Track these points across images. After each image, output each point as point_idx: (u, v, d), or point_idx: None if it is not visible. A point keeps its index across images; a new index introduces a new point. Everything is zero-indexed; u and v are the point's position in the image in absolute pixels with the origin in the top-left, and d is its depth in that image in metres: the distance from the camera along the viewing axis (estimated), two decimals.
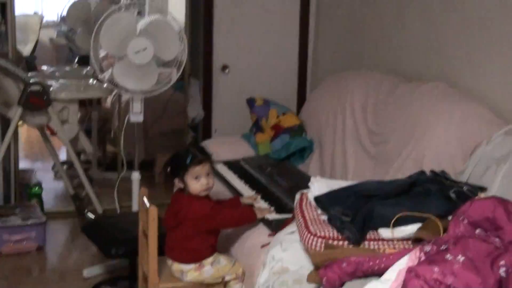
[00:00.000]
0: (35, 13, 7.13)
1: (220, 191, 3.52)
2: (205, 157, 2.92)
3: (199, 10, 5.05)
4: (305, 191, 2.78)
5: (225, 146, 4.17)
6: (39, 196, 4.64)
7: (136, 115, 3.88)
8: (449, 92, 3.30)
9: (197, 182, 2.88)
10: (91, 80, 4.86)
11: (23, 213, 4.22)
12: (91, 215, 4.49)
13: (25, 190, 4.73)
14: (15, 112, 4.15)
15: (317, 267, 2.33)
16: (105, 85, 3.95)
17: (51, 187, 5.30)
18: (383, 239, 2.40)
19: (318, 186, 2.72)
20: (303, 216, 2.57)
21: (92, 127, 5.65)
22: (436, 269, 1.87)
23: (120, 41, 3.64)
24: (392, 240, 2.39)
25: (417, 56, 3.79)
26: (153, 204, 2.88)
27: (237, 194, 3.42)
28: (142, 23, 3.71)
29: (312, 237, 2.42)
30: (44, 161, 5.80)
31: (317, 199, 2.63)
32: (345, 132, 3.77)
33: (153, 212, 2.83)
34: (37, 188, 4.67)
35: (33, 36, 6.49)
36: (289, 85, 5.15)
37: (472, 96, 3.25)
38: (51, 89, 4.37)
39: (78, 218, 4.61)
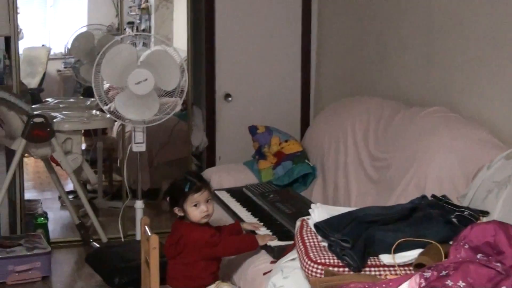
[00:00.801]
0: (43, 46, 7.19)
1: (223, 219, 3.52)
2: (203, 183, 2.93)
3: (201, 39, 5.10)
4: (305, 217, 2.78)
5: (227, 174, 4.18)
6: (44, 226, 4.65)
7: (139, 145, 3.90)
8: (450, 117, 3.30)
9: (196, 209, 2.89)
10: (94, 111, 4.90)
11: (28, 243, 4.23)
12: (95, 245, 4.49)
13: (31, 220, 4.74)
14: (19, 144, 4.18)
15: None
16: (108, 115, 3.98)
17: (58, 217, 5.32)
18: (384, 265, 2.39)
19: (319, 213, 2.71)
20: (304, 243, 2.56)
21: (97, 157, 5.68)
22: None
23: (121, 72, 3.68)
24: (393, 266, 2.38)
25: (418, 81, 3.80)
26: (157, 232, 2.90)
27: (240, 221, 3.41)
28: (143, 54, 3.75)
29: (312, 264, 2.41)
30: (52, 191, 5.81)
31: (317, 225, 2.62)
32: (347, 157, 3.77)
33: (154, 240, 2.84)
34: (42, 218, 4.68)
35: (41, 68, 6.54)
36: (292, 112, 5.17)
37: (473, 120, 3.25)
38: (54, 120, 4.40)
39: (84, 247, 4.63)
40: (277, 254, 2.93)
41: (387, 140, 3.52)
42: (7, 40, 4.66)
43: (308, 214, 2.79)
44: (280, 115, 5.06)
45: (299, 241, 2.60)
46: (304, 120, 5.19)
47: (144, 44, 4.34)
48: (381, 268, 2.38)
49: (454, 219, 2.54)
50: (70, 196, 5.18)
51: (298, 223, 2.79)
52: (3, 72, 4.64)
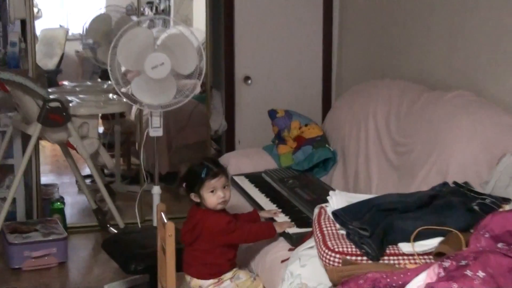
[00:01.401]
0: (61, 27, 7.19)
1: (241, 204, 3.48)
2: (220, 169, 2.88)
3: (221, 21, 5.04)
4: (323, 205, 2.73)
5: (246, 159, 4.12)
6: (61, 211, 4.65)
7: (156, 129, 3.87)
8: (474, 101, 3.23)
9: (213, 195, 2.84)
10: (111, 95, 4.87)
11: (44, 228, 4.23)
12: (113, 230, 4.48)
13: (47, 205, 4.74)
14: (34, 129, 4.16)
15: (334, 284, 2.27)
16: (124, 99, 3.95)
17: (75, 201, 5.33)
18: (403, 254, 2.33)
19: (337, 200, 2.67)
20: (321, 231, 2.52)
21: (115, 140, 5.66)
22: (455, 285, 1.82)
23: (137, 56, 3.64)
24: (412, 254, 2.32)
25: (442, 65, 3.73)
26: (175, 217, 2.89)
27: (258, 207, 3.37)
28: (160, 38, 3.70)
29: (330, 252, 2.36)
30: (70, 175, 5.82)
31: (335, 213, 2.57)
32: (368, 142, 3.71)
33: (170, 227, 2.80)
34: (59, 203, 4.68)
35: (59, 49, 6.54)
36: (314, 95, 5.12)
37: (497, 105, 3.17)
38: (70, 104, 4.38)
39: (101, 233, 4.62)
40: (295, 241, 2.89)
41: (409, 124, 3.46)
42: (23, 22, 4.64)
43: (328, 200, 2.74)
44: (301, 98, 5.00)
45: (317, 229, 2.56)
46: (325, 103, 5.13)
47: (164, 25, 4.29)
48: (400, 257, 2.33)
49: (475, 207, 2.49)
50: (87, 181, 5.19)
51: (316, 210, 2.74)
52: (19, 55, 4.62)
